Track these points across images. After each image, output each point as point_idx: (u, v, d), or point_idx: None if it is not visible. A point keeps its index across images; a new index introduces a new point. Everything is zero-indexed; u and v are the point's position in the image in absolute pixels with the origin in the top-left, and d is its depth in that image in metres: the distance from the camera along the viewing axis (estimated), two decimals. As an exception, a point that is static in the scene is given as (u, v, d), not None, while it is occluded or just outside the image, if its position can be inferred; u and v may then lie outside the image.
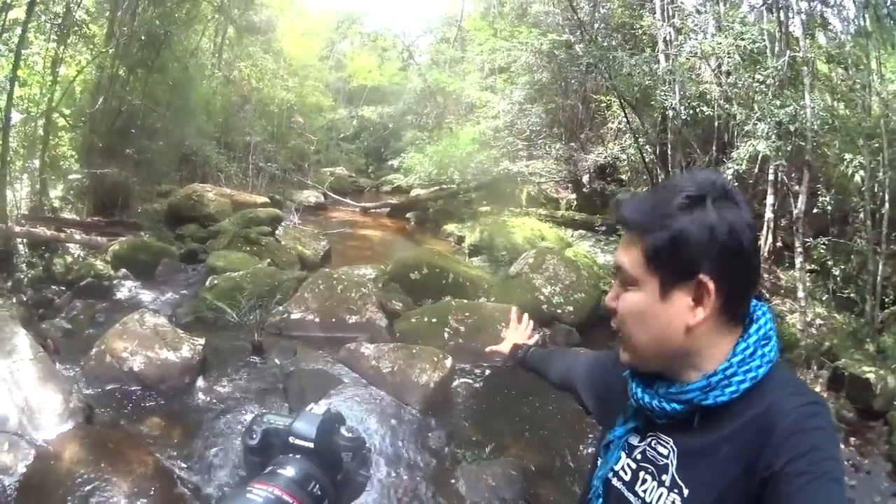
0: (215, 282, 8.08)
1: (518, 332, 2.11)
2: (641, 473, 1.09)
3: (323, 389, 5.68)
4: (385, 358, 6.10)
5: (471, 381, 6.37)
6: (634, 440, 1.13)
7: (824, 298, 7.74)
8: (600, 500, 1.16)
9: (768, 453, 0.91)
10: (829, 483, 0.87)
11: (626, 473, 1.12)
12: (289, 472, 0.95)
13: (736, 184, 7.85)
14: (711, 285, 0.99)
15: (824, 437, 0.92)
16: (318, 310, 7.39)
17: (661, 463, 1.05)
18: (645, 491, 1.06)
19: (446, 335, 6.90)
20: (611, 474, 1.15)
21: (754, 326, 1.04)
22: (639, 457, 1.11)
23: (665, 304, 1.01)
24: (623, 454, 1.14)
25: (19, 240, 8.87)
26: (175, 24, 12.87)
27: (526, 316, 2.20)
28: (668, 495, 1.02)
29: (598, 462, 1.19)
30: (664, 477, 1.04)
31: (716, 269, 0.99)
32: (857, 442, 5.49)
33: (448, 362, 6.00)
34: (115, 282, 8.51)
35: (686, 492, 1.00)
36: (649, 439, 1.10)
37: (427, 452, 4.99)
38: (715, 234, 0.98)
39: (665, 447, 1.06)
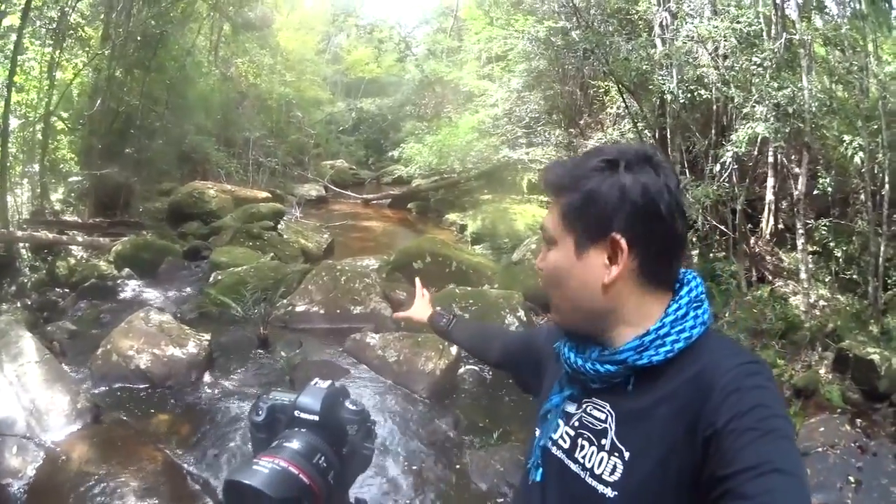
0: (219, 277, 8.10)
1: (424, 300, 2.13)
2: (580, 440, 1.09)
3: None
4: (391, 347, 6.15)
5: (477, 369, 6.37)
6: (571, 408, 1.13)
7: (827, 280, 7.70)
8: (540, 469, 1.16)
9: (708, 412, 0.90)
10: (780, 439, 0.85)
11: (564, 441, 1.12)
12: (294, 444, 0.96)
13: (736, 167, 7.88)
14: (624, 244, 1.01)
15: (766, 394, 0.91)
16: (323, 302, 7.42)
17: (600, 427, 1.06)
18: (584, 457, 1.06)
19: (451, 323, 6.90)
20: (550, 443, 1.15)
21: (685, 289, 1.06)
22: (576, 424, 1.11)
23: (581, 262, 1.05)
24: (561, 422, 1.14)
25: (21, 244, 8.90)
26: (170, 24, 12.89)
27: (424, 290, 2.21)
28: (609, 459, 1.02)
29: (537, 432, 1.19)
30: (603, 441, 1.04)
31: (630, 229, 1.01)
32: (864, 424, 5.43)
33: (454, 349, 6.01)
34: (118, 282, 8.53)
35: (627, 454, 1.00)
36: (585, 405, 1.10)
37: (435, 439, 5.03)
38: (626, 194, 1.01)
39: (602, 412, 1.07)
